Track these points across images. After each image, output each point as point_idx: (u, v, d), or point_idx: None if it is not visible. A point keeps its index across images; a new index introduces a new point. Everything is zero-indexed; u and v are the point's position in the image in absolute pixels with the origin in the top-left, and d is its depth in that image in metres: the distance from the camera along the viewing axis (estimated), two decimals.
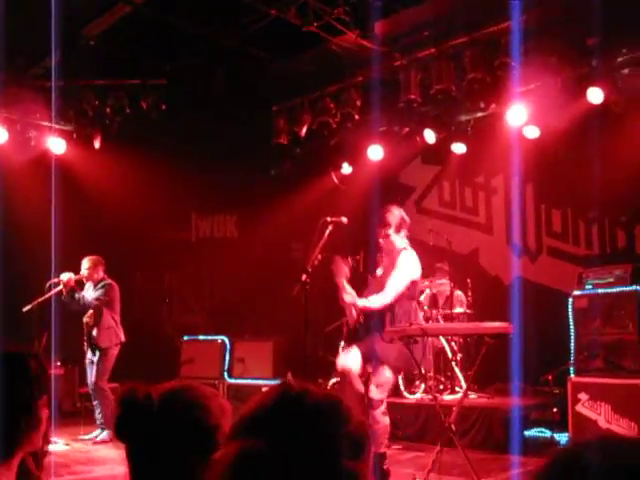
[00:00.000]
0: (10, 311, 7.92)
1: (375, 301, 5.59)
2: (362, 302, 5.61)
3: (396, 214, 5.87)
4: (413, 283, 5.73)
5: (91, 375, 8.17)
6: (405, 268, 5.65)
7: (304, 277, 5.39)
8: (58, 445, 7.56)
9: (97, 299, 8.10)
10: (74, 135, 9.84)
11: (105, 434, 7.97)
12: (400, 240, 5.84)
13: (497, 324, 5.56)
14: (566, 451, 1.19)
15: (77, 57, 8.51)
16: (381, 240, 5.85)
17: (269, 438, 1.19)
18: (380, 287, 5.69)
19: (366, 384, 5.61)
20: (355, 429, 1.29)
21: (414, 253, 5.79)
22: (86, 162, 9.96)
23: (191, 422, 1.70)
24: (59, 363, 9.49)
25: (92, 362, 8.16)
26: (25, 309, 7.70)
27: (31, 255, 8.99)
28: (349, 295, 5.59)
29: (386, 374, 5.63)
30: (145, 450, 1.69)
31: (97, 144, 9.87)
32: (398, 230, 5.81)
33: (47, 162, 9.18)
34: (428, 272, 8.87)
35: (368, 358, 5.67)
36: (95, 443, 7.92)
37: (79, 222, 9.89)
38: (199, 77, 9.40)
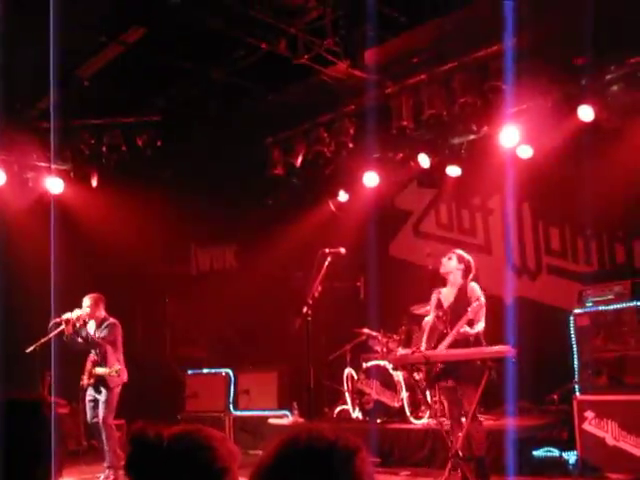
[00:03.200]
0: (12, 352, 7.93)
1: (478, 329, 6.36)
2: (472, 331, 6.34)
3: (464, 255, 6.77)
4: None
5: (92, 413, 8.12)
6: (483, 299, 6.44)
7: (305, 309, 5.45)
8: None
9: (102, 339, 8.10)
10: (71, 174, 9.90)
11: (110, 473, 7.93)
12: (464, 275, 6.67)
13: (498, 348, 5.59)
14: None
15: (72, 97, 8.59)
16: (447, 270, 6.73)
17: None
18: (453, 316, 6.42)
19: None
20: None
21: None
22: (84, 200, 10.02)
23: (198, 464, 1.72)
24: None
25: (92, 400, 8.12)
26: (28, 350, 7.69)
27: (32, 295, 9.00)
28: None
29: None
30: None
31: (94, 182, 9.94)
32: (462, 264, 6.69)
33: (45, 202, 9.24)
34: (428, 297, 8.88)
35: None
36: None
37: (79, 260, 9.91)
38: (193, 112, 9.47)
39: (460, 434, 5.79)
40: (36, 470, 1.91)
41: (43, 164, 9.63)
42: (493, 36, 7.47)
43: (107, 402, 8.00)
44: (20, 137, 9.22)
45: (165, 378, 11.26)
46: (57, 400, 8.93)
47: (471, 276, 6.67)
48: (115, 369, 7.91)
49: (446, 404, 6.23)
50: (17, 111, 9.06)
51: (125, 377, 8.21)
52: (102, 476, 7.95)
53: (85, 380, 8.13)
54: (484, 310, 6.44)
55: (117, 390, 8.11)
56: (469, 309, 6.30)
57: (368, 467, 1.50)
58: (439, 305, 6.70)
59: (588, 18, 6.76)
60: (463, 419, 6.26)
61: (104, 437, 7.98)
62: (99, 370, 8.01)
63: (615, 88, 7.89)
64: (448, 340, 6.34)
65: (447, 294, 6.72)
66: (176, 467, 1.71)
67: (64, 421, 9.41)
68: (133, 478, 1.75)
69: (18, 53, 7.19)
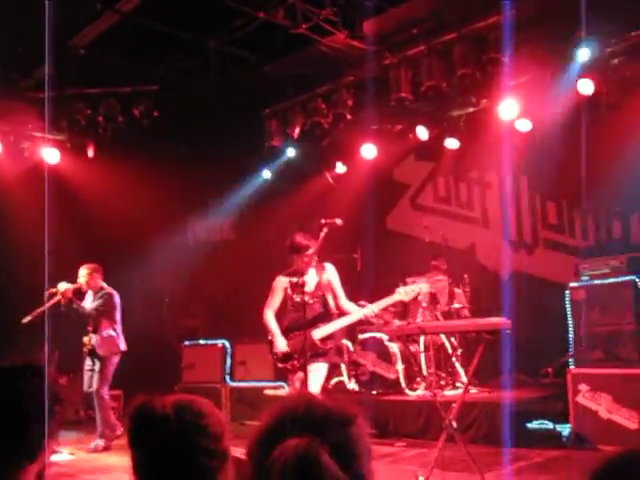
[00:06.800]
0: (7, 323, 7.94)
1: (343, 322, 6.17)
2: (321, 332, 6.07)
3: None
4: None
5: (89, 382, 8.17)
6: None
7: (301, 281, 5.46)
8: (63, 455, 7.56)
9: (96, 309, 8.11)
10: (67, 145, 9.85)
11: (100, 442, 8.00)
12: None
13: (493, 320, 5.60)
14: (619, 457, 1.43)
15: (68, 67, 8.51)
16: (306, 259, 6.06)
17: (314, 436, 1.41)
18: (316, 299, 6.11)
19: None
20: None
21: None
22: (80, 171, 9.98)
23: (203, 429, 1.75)
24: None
25: (91, 370, 8.16)
26: (24, 320, 7.69)
27: (27, 266, 8.98)
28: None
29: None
30: (158, 459, 1.73)
31: (91, 153, 9.90)
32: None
33: (41, 172, 9.19)
34: (424, 269, 8.89)
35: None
36: (89, 451, 7.93)
37: (75, 231, 9.89)
38: (190, 82, 9.40)
39: (454, 405, 5.80)
40: (26, 435, 1.92)
41: (39, 134, 9.57)
42: (493, 7, 7.40)
43: (101, 372, 8.05)
44: (16, 107, 9.14)
45: (162, 349, 11.28)
46: (52, 370, 8.97)
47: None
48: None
49: None
50: (13, 81, 8.99)
51: (123, 346, 8.24)
52: (93, 444, 8.01)
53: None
54: None
55: (114, 360, 8.14)
56: None
57: (364, 435, 1.50)
58: None
59: None
60: None
61: (96, 407, 8.05)
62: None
63: (615, 61, 7.84)
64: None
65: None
66: (182, 435, 1.73)
67: (61, 390, 9.45)
68: (138, 449, 1.77)
69: (14, 23, 7.12)
